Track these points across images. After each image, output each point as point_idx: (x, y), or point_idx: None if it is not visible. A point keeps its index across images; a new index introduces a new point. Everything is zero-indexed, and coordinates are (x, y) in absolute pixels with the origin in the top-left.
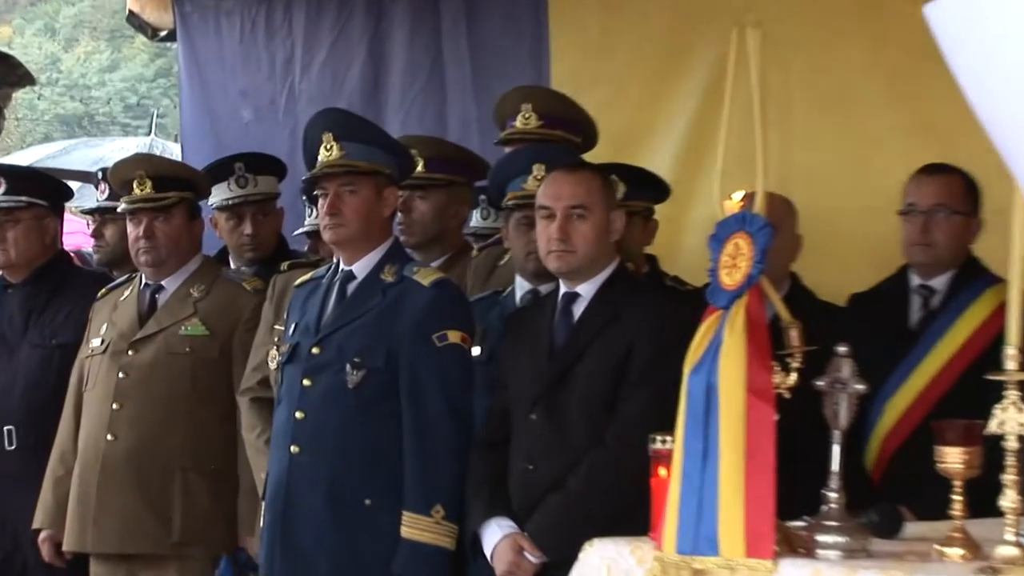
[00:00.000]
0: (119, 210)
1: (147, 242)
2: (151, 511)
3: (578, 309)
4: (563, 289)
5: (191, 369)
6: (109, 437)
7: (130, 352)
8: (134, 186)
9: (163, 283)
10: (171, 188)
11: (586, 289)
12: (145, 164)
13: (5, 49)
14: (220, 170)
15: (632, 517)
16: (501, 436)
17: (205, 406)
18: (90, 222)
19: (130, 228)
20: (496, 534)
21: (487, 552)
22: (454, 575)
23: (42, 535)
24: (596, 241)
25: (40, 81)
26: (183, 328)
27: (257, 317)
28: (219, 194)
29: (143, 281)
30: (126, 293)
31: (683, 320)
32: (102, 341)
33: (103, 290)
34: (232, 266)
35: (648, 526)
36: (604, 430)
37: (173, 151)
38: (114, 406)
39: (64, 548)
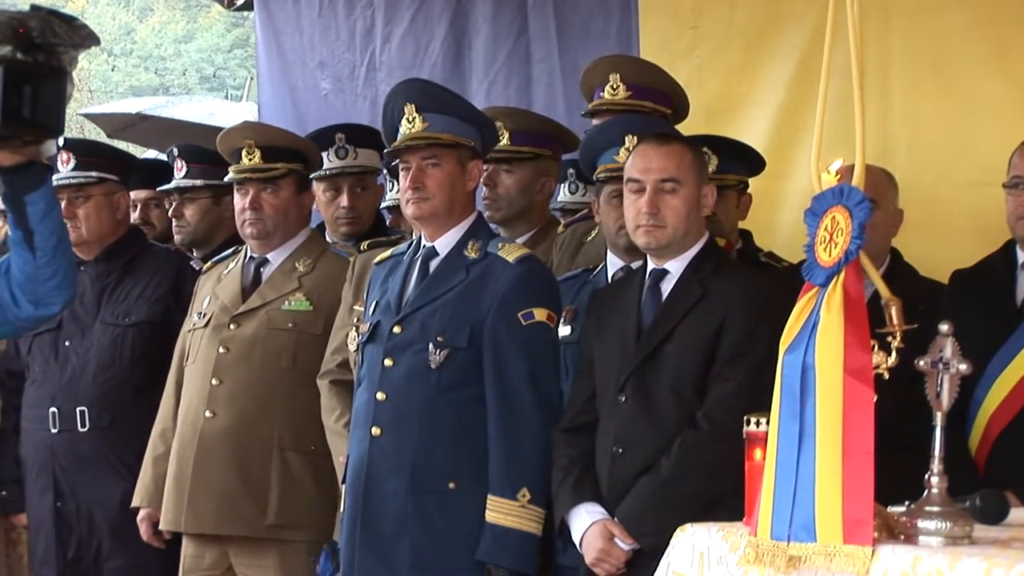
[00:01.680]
0: (226, 179)
1: (253, 214)
2: (248, 491)
3: (667, 287)
4: (651, 266)
5: (293, 345)
6: (208, 414)
7: (232, 326)
8: (243, 155)
9: (268, 256)
10: (280, 159)
11: (675, 266)
12: (254, 133)
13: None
14: (320, 140)
15: (727, 501)
16: (586, 420)
17: (305, 384)
18: (169, 202)
19: (237, 198)
20: (585, 520)
21: (576, 539)
22: (542, 562)
23: (141, 513)
24: (687, 216)
25: (114, 52)
26: (287, 303)
27: None
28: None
29: (248, 254)
30: (231, 266)
31: (775, 298)
32: (204, 315)
33: (208, 264)
34: (328, 239)
35: (744, 511)
36: (695, 411)
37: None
38: (213, 382)
39: (160, 527)
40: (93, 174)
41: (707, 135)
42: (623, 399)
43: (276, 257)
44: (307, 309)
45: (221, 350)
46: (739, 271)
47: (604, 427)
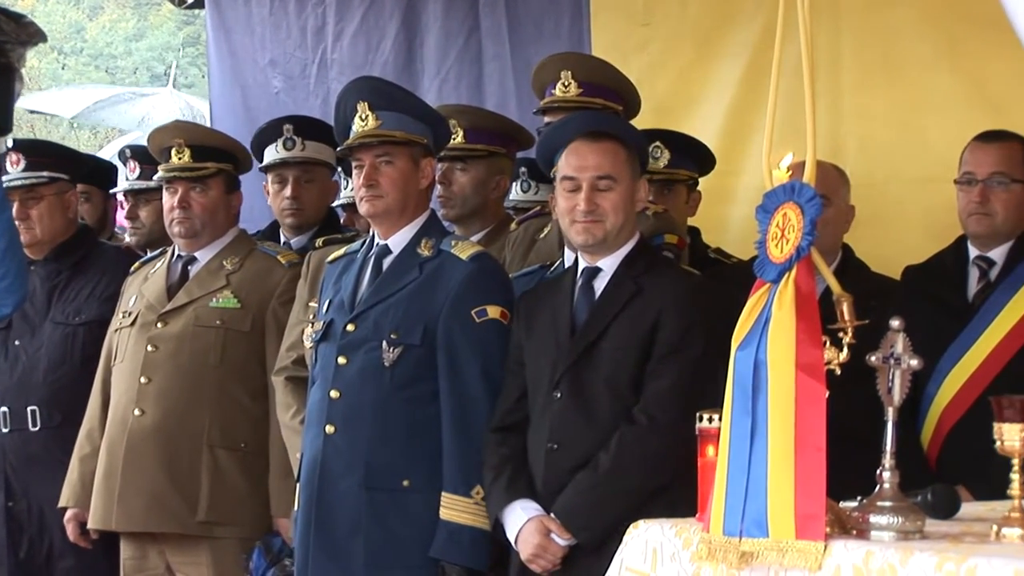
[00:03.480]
0: (155, 178)
1: (182, 212)
2: (177, 489)
3: (600, 284)
4: (582, 264)
5: (221, 342)
6: (136, 412)
7: (159, 324)
8: (172, 154)
9: (196, 255)
10: (209, 158)
11: (608, 263)
12: (184, 132)
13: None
14: (270, 131)
15: (664, 495)
16: (516, 419)
17: (235, 381)
18: (123, 203)
19: (166, 197)
20: (520, 517)
21: (511, 537)
22: (495, 559)
23: (68, 513)
24: (623, 212)
25: (64, 50)
26: (214, 300)
27: (291, 290)
28: (268, 156)
29: (175, 253)
30: (158, 265)
31: (709, 293)
32: (130, 314)
33: (136, 264)
34: (282, 238)
35: (681, 504)
36: (631, 407)
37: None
38: (142, 380)
39: (89, 526)
40: (44, 174)
41: (660, 130)
42: (558, 396)
43: (204, 255)
44: (235, 306)
45: (149, 348)
46: (672, 268)
47: (537, 424)
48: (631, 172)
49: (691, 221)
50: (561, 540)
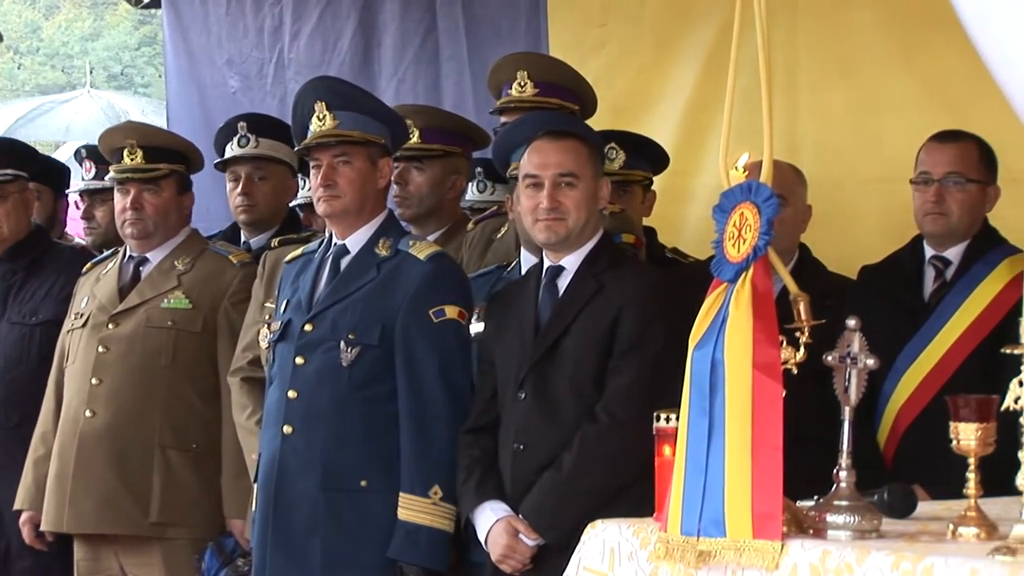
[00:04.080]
0: (107, 179)
1: (134, 213)
2: (129, 490)
3: (563, 283)
4: (547, 263)
5: (172, 343)
6: (88, 413)
7: (110, 326)
8: (124, 155)
9: (148, 255)
10: (162, 159)
11: (571, 262)
12: (136, 133)
13: None
14: (225, 130)
15: (629, 493)
16: (488, 419)
17: (186, 382)
18: (79, 203)
19: (117, 198)
20: (490, 518)
21: (481, 537)
22: (454, 559)
23: (23, 516)
24: (586, 210)
25: (20, 50)
26: (165, 301)
27: (243, 290)
28: (226, 155)
29: (127, 253)
30: (109, 266)
31: (670, 291)
32: (82, 315)
33: (88, 264)
34: (242, 238)
35: (647, 501)
36: (594, 405)
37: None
38: (93, 381)
39: (42, 528)
40: (9, 172)
41: (614, 131)
42: (522, 396)
43: (155, 256)
44: (186, 307)
45: (100, 349)
46: (634, 265)
47: (505, 425)
48: (593, 170)
49: (648, 221)
50: (529, 540)
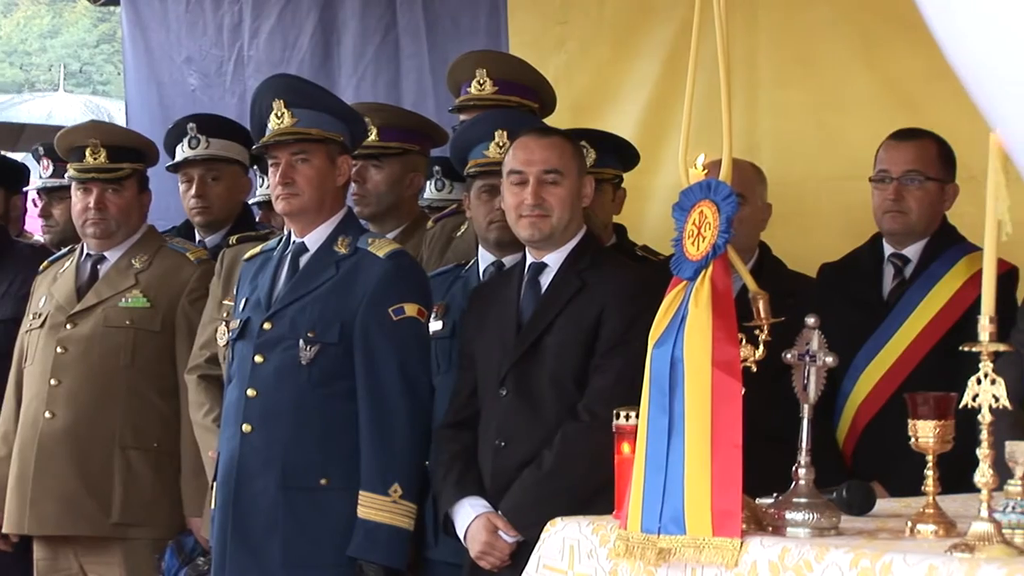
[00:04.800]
0: (68, 176)
1: (98, 213)
2: (90, 491)
3: (545, 280)
4: (529, 260)
5: (131, 343)
6: (47, 414)
7: (68, 326)
8: (87, 154)
9: (105, 254)
10: (124, 159)
11: (554, 259)
12: (99, 132)
13: None
14: (175, 131)
15: (608, 490)
16: (468, 415)
17: (146, 381)
18: (36, 201)
19: (79, 197)
20: (469, 514)
21: (460, 533)
22: (413, 557)
23: None
24: (570, 207)
25: None
26: (123, 300)
27: (201, 288)
28: (176, 157)
29: (84, 252)
30: (66, 265)
31: (653, 289)
32: (40, 315)
33: (45, 263)
34: (197, 236)
35: None
36: (576, 402)
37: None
38: (52, 382)
39: (3, 530)
40: None
41: (585, 129)
42: (504, 392)
43: (113, 254)
44: (144, 306)
45: (59, 350)
46: (617, 263)
47: (486, 421)
48: (577, 168)
49: (615, 219)
50: (508, 537)
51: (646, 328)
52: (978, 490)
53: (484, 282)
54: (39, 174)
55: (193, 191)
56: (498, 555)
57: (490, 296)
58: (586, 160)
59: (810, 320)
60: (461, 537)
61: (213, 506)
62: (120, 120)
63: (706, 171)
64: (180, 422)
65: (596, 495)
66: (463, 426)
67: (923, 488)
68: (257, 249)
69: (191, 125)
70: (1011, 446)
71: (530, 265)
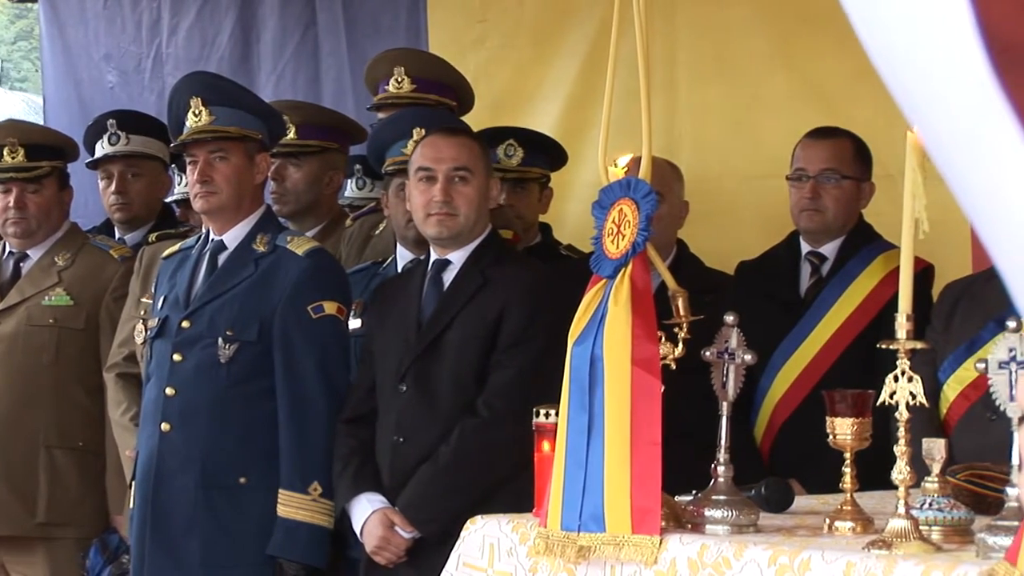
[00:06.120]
0: None
1: (18, 213)
2: (14, 491)
3: (448, 277)
4: (433, 257)
5: (55, 341)
6: None
7: None
8: (5, 153)
9: (28, 252)
10: (44, 157)
11: (458, 256)
12: (17, 131)
13: None
14: (95, 128)
15: (507, 487)
16: (366, 410)
17: (71, 380)
18: None
19: None
20: (366, 509)
21: (356, 529)
22: (333, 555)
23: None
24: (478, 206)
25: None
26: (46, 298)
27: (124, 286)
28: (96, 153)
29: (6, 250)
30: None
31: (557, 286)
32: None
33: None
34: (116, 233)
35: (526, 496)
36: (476, 398)
37: None
38: None
39: None
40: None
41: (513, 127)
42: (404, 388)
43: (35, 252)
44: (68, 304)
45: None
46: (520, 260)
47: (385, 417)
48: (485, 167)
49: (541, 218)
50: (405, 533)
51: (548, 325)
52: (895, 487)
53: (386, 279)
54: None
55: (113, 188)
56: (394, 550)
57: (392, 293)
58: (514, 159)
59: (729, 318)
60: (358, 532)
61: (132, 505)
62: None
63: (626, 169)
64: (105, 421)
65: (495, 491)
66: (361, 421)
67: (841, 485)
68: (175, 247)
69: (111, 121)
70: (928, 443)
71: (434, 262)
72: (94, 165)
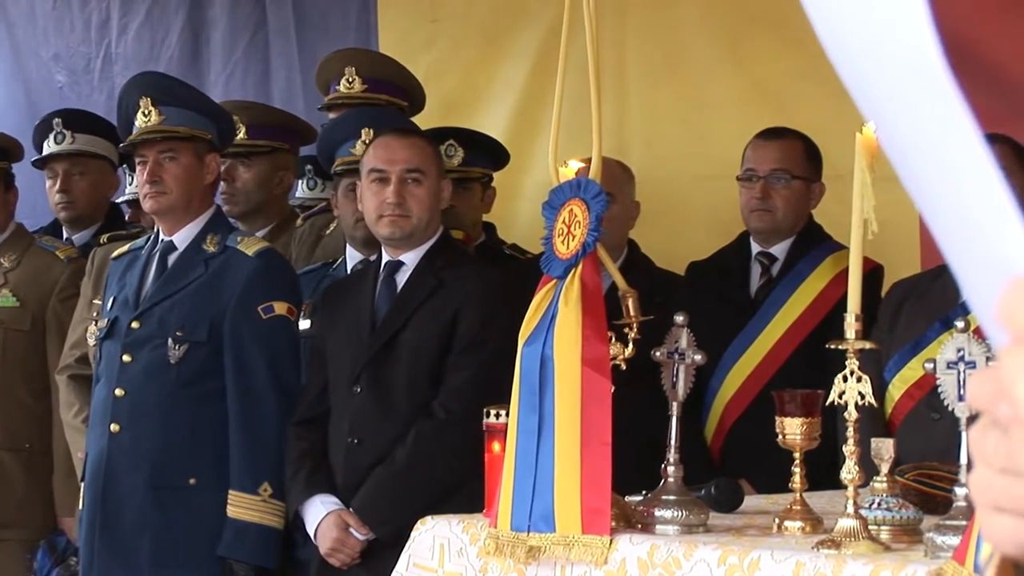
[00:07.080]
0: None
1: None
2: None
3: (402, 278)
4: (385, 258)
5: (1, 342)
6: None
7: None
8: None
9: None
10: None
11: (411, 257)
12: None
13: None
14: (42, 127)
15: (463, 489)
16: (318, 412)
17: (17, 381)
18: None
19: None
20: (320, 511)
21: (310, 531)
22: (283, 556)
23: None
24: (430, 207)
25: None
26: None
27: (71, 286)
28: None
29: None
30: None
31: (510, 288)
32: None
33: None
34: (64, 234)
35: (480, 498)
36: (431, 400)
37: None
38: None
39: None
40: None
41: (454, 128)
42: (358, 390)
43: None
44: (13, 305)
45: None
46: (474, 262)
47: (338, 419)
48: (437, 169)
49: (485, 217)
50: (359, 534)
51: (503, 327)
52: (844, 486)
53: (336, 281)
54: None
55: (58, 186)
56: (348, 552)
57: (343, 294)
58: (454, 159)
59: (679, 318)
60: (311, 535)
61: (81, 506)
62: None
63: (577, 171)
64: (52, 422)
65: (450, 493)
66: (312, 423)
67: (790, 485)
68: (125, 248)
69: (57, 120)
70: (876, 443)
71: (386, 263)
72: (40, 164)
